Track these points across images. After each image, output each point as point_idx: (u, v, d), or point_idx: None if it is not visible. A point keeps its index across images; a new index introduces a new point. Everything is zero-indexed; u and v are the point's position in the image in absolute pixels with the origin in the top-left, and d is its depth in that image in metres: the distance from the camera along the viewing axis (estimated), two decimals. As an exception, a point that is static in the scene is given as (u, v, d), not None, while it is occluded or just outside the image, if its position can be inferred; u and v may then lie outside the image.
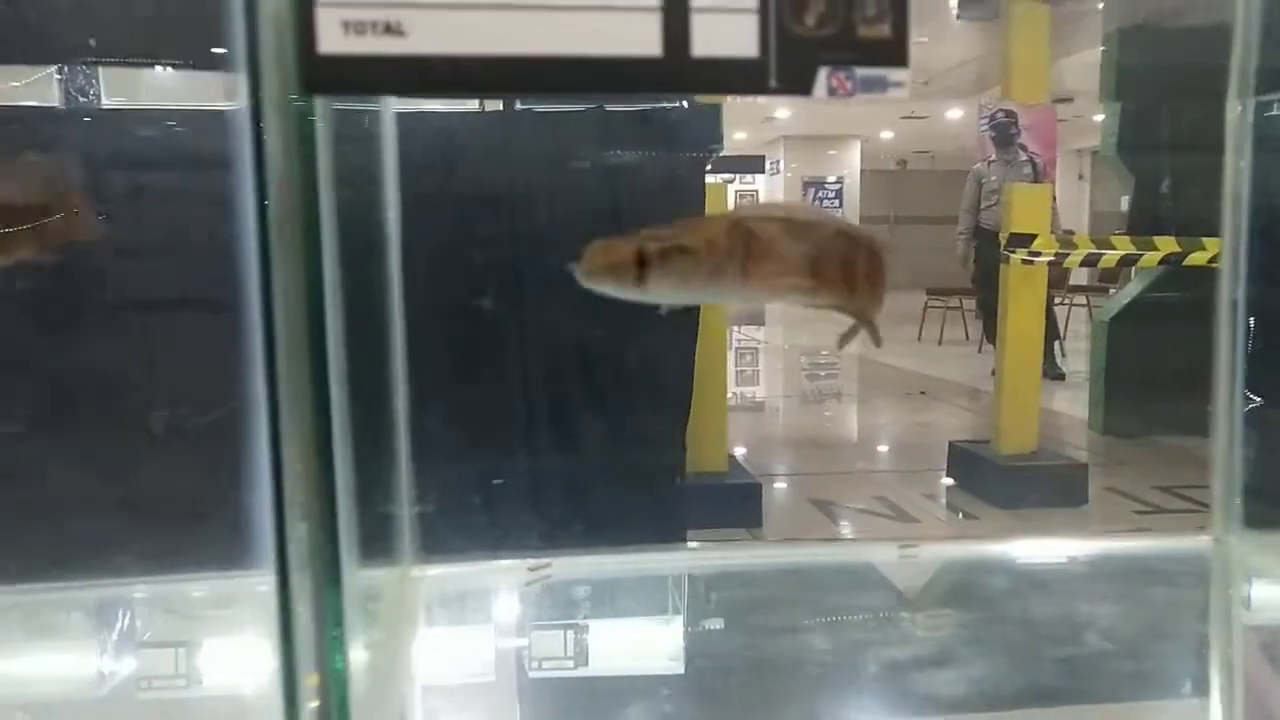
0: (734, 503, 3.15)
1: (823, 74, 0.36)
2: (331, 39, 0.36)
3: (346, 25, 0.35)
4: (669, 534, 2.30)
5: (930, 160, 12.82)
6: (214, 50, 1.29)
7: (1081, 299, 8.35)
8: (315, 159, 0.50)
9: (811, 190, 12.17)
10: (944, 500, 3.86)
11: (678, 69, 0.36)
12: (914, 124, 11.03)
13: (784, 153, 12.40)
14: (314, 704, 0.64)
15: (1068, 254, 3.66)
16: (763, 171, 10.98)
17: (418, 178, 1.01)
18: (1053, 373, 6.57)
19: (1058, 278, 6.74)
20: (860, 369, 7.48)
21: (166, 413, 1.22)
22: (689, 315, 2.58)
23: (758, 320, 10.18)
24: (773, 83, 0.37)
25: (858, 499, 3.84)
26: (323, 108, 0.47)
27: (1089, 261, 4.01)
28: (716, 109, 3.26)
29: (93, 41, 1.47)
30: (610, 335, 1.90)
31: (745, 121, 11.11)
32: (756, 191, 11.23)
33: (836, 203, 12.17)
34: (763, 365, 8.11)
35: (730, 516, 3.11)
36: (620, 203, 2.18)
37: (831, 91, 0.37)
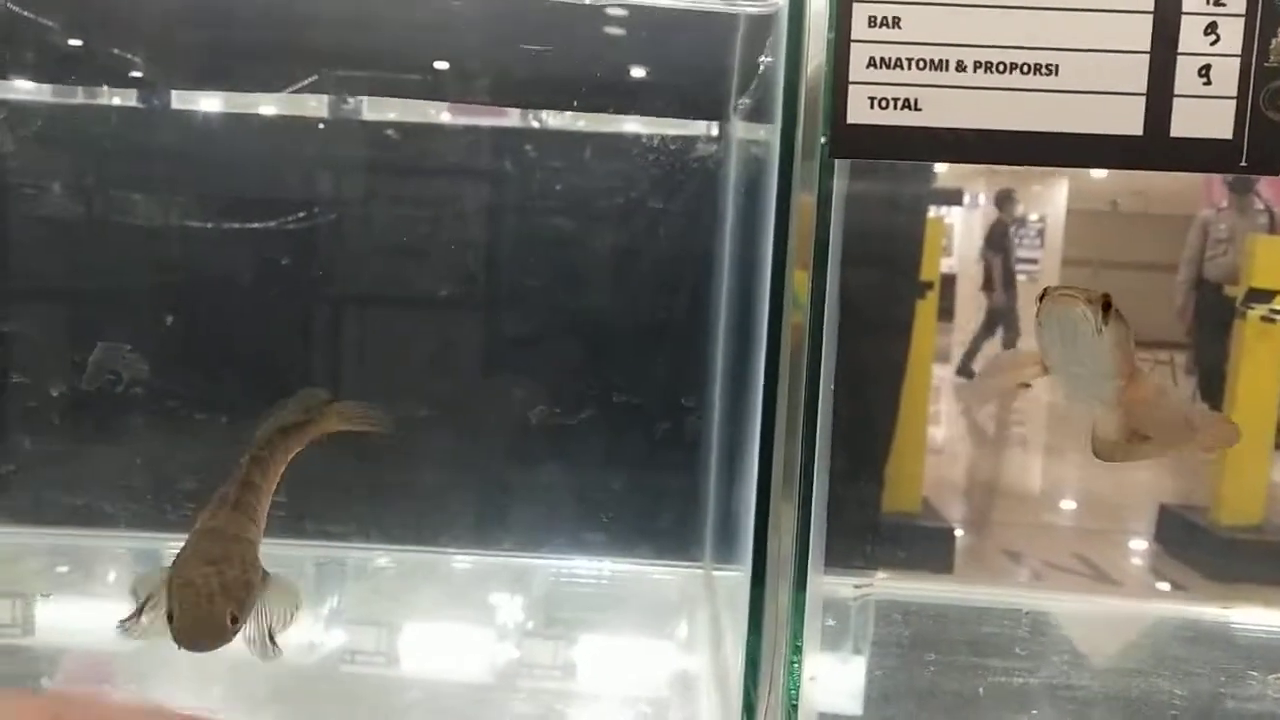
0: (926, 546, 3.08)
1: (1293, 156, 0.38)
2: (859, 111, 0.40)
3: (873, 100, 0.40)
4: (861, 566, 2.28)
5: (1144, 202, 12.05)
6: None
7: (1311, 362, 7.63)
8: (830, 211, 0.58)
9: (1012, 228, 11.65)
10: (1148, 565, 3.62)
11: (1155, 147, 0.38)
12: (1130, 163, 10.39)
13: (985, 187, 11.96)
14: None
15: (1316, 315, 3.38)
16: (960, 204, 10.63)
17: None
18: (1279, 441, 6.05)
19: (1290, 338, 6.21)
20: (1052, 417, 7.10)
21: (544, 409, 1.34)
22: (901, 348, 2.54)
23: (941, 357, 9.84)
24: (1243, 162, 0.39)
25: (1053, 554, 3.65)
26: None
27: (1341, 325, 3.69)
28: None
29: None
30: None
31: (945, 153, 10.74)
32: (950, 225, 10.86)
33: (1037, 243, 11.61)
34: (944, 405, 7.84)
35: (921, 559, 3.03)
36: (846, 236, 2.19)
37: (1300, 174, 0.38)
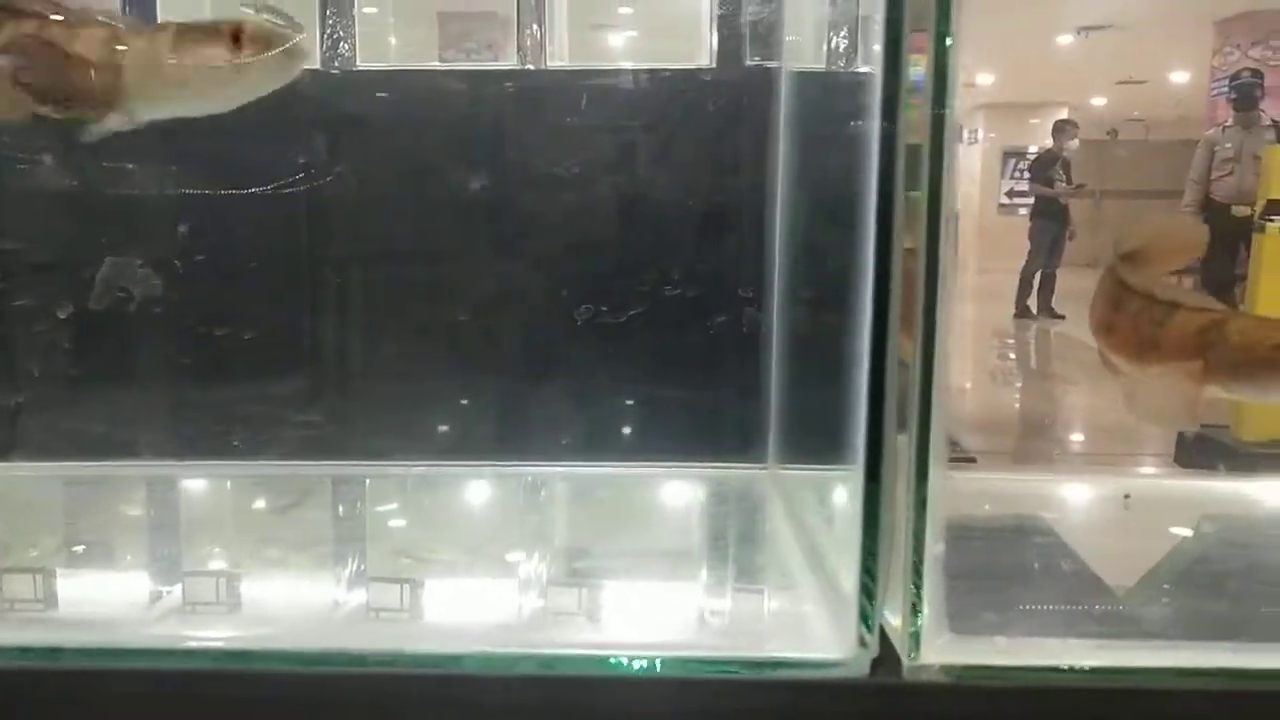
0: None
1: None
2: None
3: None
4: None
5: (1144, 129, 11.94)
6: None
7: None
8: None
9: (1011, 161, 11.59)
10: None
11: None
12: (1130, 89, 10.29)
13: (983, 122, 11.85)
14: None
15: (1337, 224, 3.32)
16: (959, 141, 10.53)
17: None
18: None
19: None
20: (1063, 348, 7.07)
21: (589, 307, 1.28)
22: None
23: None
24: None
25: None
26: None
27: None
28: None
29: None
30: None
31: (942, 89, 10.63)
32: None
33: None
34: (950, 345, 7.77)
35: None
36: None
37: None
